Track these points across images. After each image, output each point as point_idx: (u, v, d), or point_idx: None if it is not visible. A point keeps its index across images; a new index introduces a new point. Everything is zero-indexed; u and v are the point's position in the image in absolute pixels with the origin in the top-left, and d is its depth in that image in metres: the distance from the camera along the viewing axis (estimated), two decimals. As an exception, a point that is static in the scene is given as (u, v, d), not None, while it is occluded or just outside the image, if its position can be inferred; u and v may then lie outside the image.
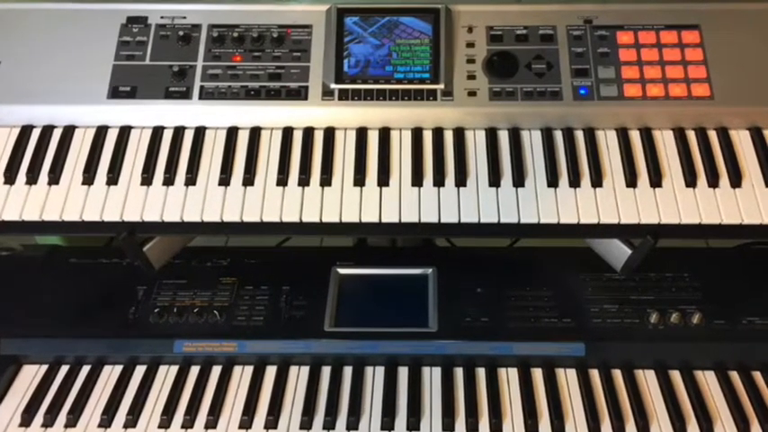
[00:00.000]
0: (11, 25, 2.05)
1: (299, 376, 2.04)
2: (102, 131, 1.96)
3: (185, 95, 1.96)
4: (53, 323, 2.16)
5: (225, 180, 1.88)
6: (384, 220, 1.83)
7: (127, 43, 2.02)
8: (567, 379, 2.02)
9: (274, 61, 1.99)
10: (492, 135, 1.93)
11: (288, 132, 1.95)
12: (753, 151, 1.91)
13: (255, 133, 1.95)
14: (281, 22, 2.03)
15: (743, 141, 1.93)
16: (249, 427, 1.94)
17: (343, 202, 1.85)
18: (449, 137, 1.94)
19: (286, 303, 2.17)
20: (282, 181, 1.88)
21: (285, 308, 2.16)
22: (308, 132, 1.94)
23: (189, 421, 1.95)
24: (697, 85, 1.94)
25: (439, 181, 1.87)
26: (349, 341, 2.08)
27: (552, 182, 1.87)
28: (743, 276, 2.23)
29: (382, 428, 1.93)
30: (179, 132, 1.96)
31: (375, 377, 2.03)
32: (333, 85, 1.96)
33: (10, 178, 1.90)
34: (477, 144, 1.93)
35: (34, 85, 1.98)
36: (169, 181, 1.89)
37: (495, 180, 1.86)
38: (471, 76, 1.96)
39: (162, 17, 2.05)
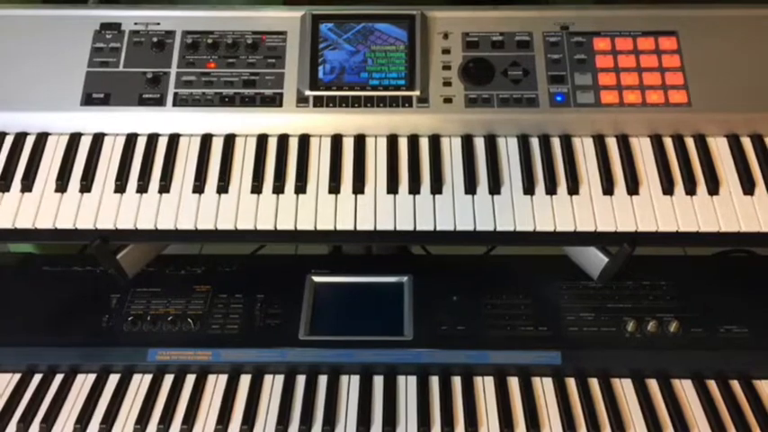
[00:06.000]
0: (-18, 31, 2.04)
1: (273, 385, 2.02)
2: (75, 138, 1.95)
3: (159, 102, 1.95)
4: (26, 331, 2.14)
5: (199, 187, 1.87)
6: (359, 227, 1.82)
7: (100, 50, 2.01)
8: (544, 387, 2.01)
9: (249, 68, 1.98)
10: (468, 142, 1.93)
11: (262, 139, 1.94)
12: (730, 158, 1.91)
13: (230, 140, 1.94)
14: (255, 29, 2.03)
15: (720, 148, 1.93)
16: (223, 436, 1.93)
17: (318, 210, 1.84)
18: (424, 144, 1.93)
19: (261, 312, 2.16)
20: (257, 188, 1.87)
21: (260, 316, 2.15)
22: (283, 139, 1.94)
23: (163, 430, 1.93)
24: (674, 92, 1.94)
25: (414, 188, 1.86)
26: (324, 350, 2.07)
27: (528, 189, 1.86)
28: (720, 284, 2.23)
29: (357, 437, 1.93)
30: (153, 139, 1.95)
31: (350, 386, 2.02)
32: (308, 92, 1.95)
33: (-17, 186, 1.89)
34: (452, 151, 1.92)
35: (6, 91, 1.97)
36: (143, 188, 1.88)
37: (470, 187, 1.86)
38: (447, 83, 1.96)
39: (136, 23, 2.04)
